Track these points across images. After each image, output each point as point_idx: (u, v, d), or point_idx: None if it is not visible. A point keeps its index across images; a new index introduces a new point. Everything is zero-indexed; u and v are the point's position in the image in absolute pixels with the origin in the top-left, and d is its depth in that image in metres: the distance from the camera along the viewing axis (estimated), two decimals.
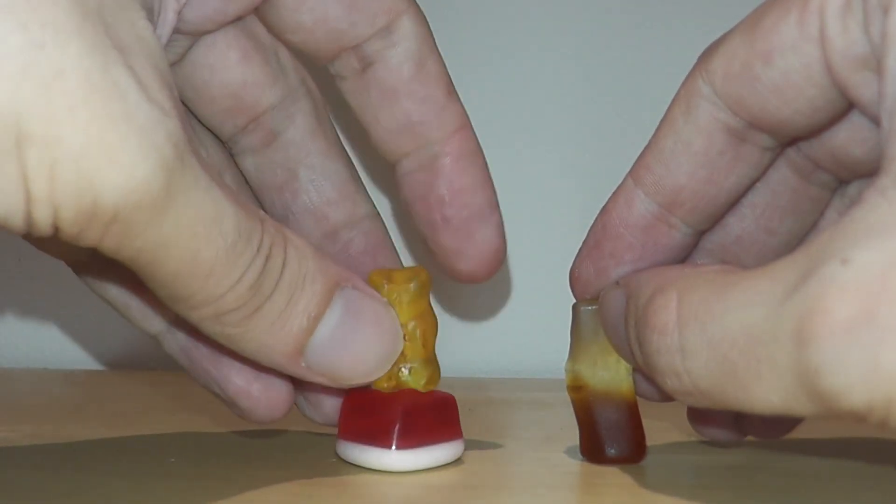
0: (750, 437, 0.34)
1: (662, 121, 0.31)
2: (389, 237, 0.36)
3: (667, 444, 0.36)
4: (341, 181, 0.36)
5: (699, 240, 0.33)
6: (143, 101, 0.25)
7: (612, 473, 0.32)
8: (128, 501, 0.30)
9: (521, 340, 0.53)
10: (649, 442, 0.34)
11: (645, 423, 0.33)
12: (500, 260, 0.35)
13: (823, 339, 0.23)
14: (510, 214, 0.54)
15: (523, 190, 0.54)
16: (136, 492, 0.31)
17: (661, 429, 0.36)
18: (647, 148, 0.32)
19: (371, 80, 0.34)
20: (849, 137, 0.30)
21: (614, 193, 0.32)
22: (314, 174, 0.35)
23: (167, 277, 0.27)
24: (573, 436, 0.34)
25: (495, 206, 0.36)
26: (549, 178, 0.53)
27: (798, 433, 0.35)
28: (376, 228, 0.36)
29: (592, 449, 0.33)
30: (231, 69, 0.33)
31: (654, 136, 0.31)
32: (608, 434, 0.33)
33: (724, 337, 0.25)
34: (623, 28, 0.53)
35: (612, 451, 0.33)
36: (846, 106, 0.28)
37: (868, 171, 0.31)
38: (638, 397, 0.33)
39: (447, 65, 0.35)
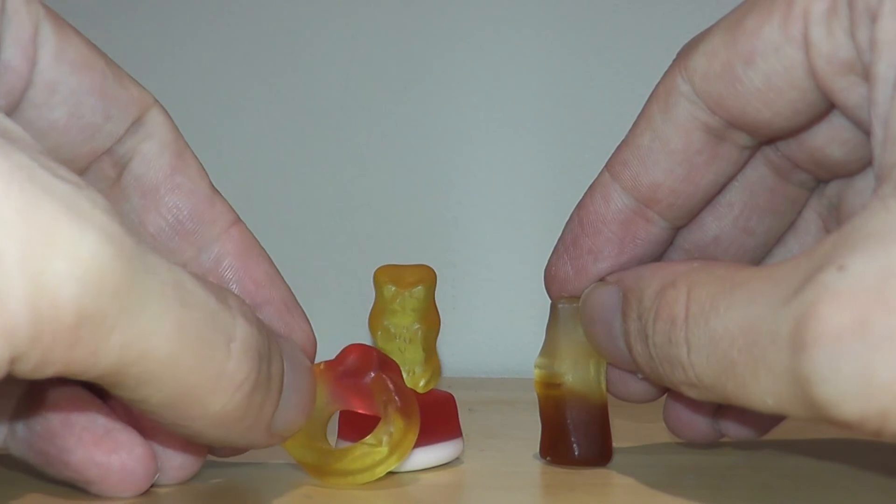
0: (750, 437, 0.34)
1: (640, 116, 0.31)
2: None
3: (667, 444, 0.36)
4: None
5: (676, 235, 0.32)
6: (52, 178, 0.21)
7: (613, 474, 0.32)
8: (128, 501, 0.30)
9: (521, 340, 0.53)
10: (652, 441, 0.34)
11: (645, 423, 0.33)
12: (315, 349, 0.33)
13: (816, 347, 0.23)
14: (512, 214, 0.54)
15: (521, 190, 0.54)
16: None
17: (662, 429, 0.36)
18: (623, 143, 0.31)
19: (129, 182, 0.31)
20: (828, 138, 0.30)
21: (590, 188, 0.32)
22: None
23: (162, 387, 0.23)
24: None
25: (291, 291, 0.33)
26: (549, 177, 0.53)
27: (798, 433, 0.35)
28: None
29: (558, 449, 0.33)
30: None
31: (632, 131, 0.31)
32: (578, 435, 0.33)
33: (724, 334, 0.25)
34: (598, 20, 0.53)
35: (579, 452, 0.33)
36: (827, 108, 0.28)
37: (846, 172, 0.31)
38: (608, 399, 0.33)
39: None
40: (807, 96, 0.28)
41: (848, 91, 0.27)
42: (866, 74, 0.26)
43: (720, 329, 0.26)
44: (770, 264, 0.26)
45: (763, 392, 0.25)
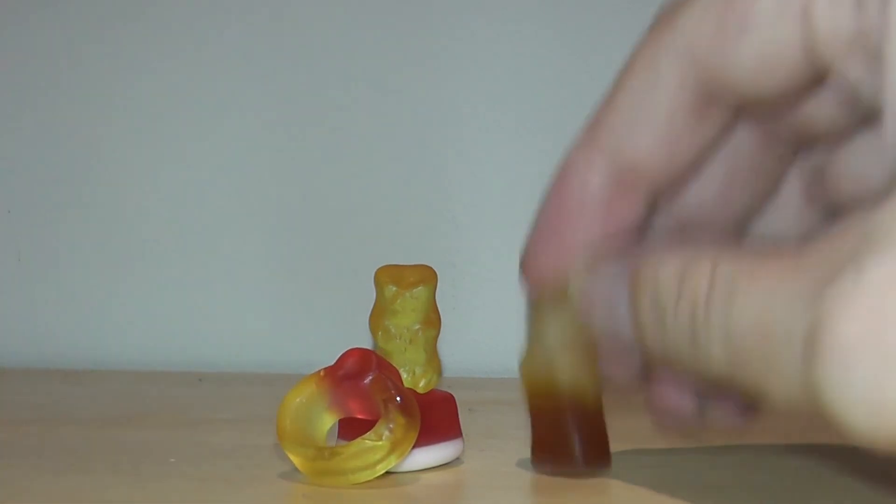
0: (752, 438, 0.34)
1: (619, 83, 0.29)
2: None
3: (667, 444, 0.36)
4: None
5: (657, 208, 0.31)
6: None
7: (613, 474, 0.32)
8: (128, 501, 0.30)
9: (521, 340, 0.53)
10: (651, 442, 0.34)
11: (643, 423, 0.33)
12: None
13: (828, 354, 0.22)
14: (512, 214, 0.54)
15: (521, 190, 0.54)
16: (136, 491, 0.31)
17: None
18: (600, 117, 0.30)
19: None
20: (815, 105, 0.29)
21: (564, 170, 0.31)
22: None
23: None
24: None
25: None
26: (549, 177, 0.53)
27: (798, 434, 0.35)
28: None
29: (555, 455, 0.32)
30: None
31: (610, 102, 0.30)
32: (578, 439, 0.32)
33: (740, 322, 0.24)
34: (598, 20, 0.53)
35: (579, 459, 0.32)
36: (821, 79, 0.27)
37: (833, 140, 0.30)
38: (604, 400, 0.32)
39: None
40: (801, 68, 0.26)
41: (848, 65, 0.26)
42: (870, 50, 0.25)
43: (737, 317, 0.25)
44: (794, 251, 0.24)
45: (774, 389, 0.24)
